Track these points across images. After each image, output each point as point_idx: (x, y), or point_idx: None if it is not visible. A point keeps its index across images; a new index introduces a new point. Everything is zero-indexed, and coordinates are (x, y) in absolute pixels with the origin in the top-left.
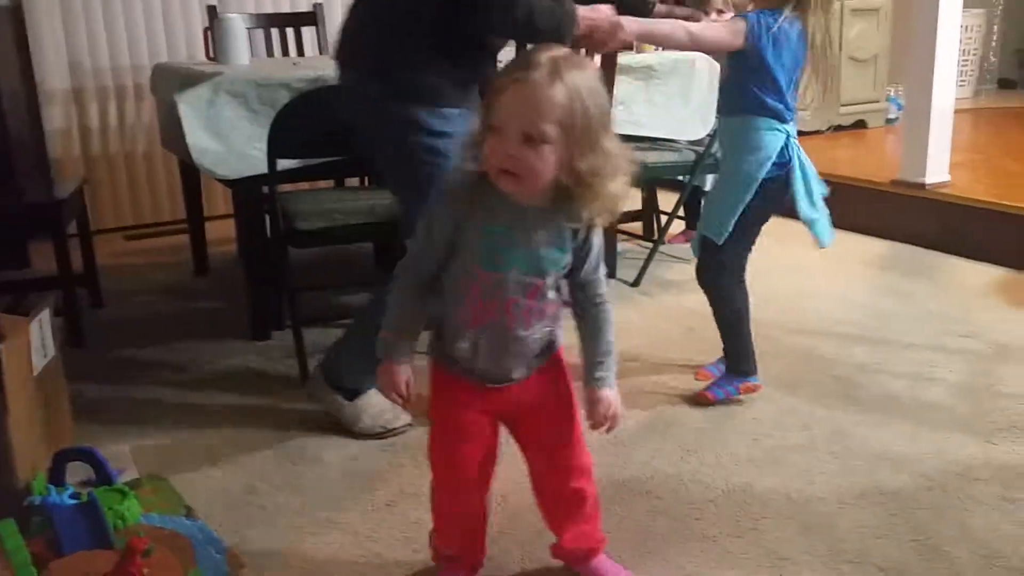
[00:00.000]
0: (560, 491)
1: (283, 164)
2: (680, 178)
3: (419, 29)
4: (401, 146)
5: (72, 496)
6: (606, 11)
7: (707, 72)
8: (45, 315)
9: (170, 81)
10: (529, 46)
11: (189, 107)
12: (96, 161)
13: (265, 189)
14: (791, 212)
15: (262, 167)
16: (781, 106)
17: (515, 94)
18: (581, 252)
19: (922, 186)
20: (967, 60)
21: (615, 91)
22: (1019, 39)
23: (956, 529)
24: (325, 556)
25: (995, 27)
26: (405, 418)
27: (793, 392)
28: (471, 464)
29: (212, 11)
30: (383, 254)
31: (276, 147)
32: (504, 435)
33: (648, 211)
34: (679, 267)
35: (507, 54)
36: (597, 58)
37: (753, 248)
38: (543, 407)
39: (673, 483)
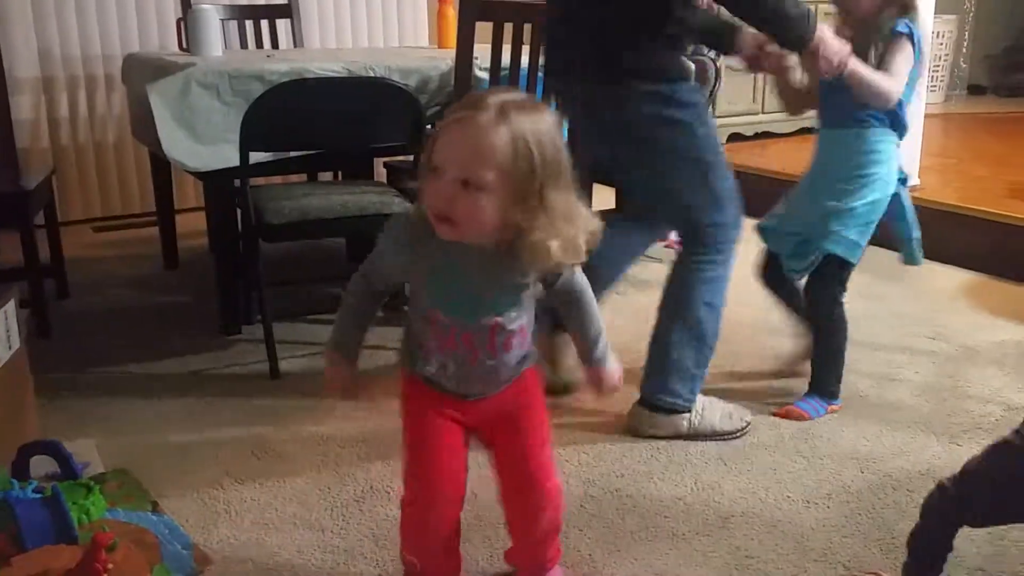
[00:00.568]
0: (523, 504)
1: (255, 157)
2: None
3: (658, 21)
4: (674, 134)
5: (36, 490)
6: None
7: None
8: (10, 306)
9: (142, 71)
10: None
11: (161, 98)
12: (65, 151)
13: (237, 182)
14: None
15: (234, 160)
16: (904, 117)
17: (456, 134)
18: (547, 281)
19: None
20: (938, 66)
21: None
22: (990, 45)
23: None
24: (292, 552)
25: (966, 33)
26: (749, 415)
27: (762, 392)
28: (445, 468)
29: (186, 1)
30: (355, 249)
31: (248, 140)
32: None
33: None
34: (653, 267)
35: None
36: (548, 112)
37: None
38: (513, 419)
39: (643, 481)
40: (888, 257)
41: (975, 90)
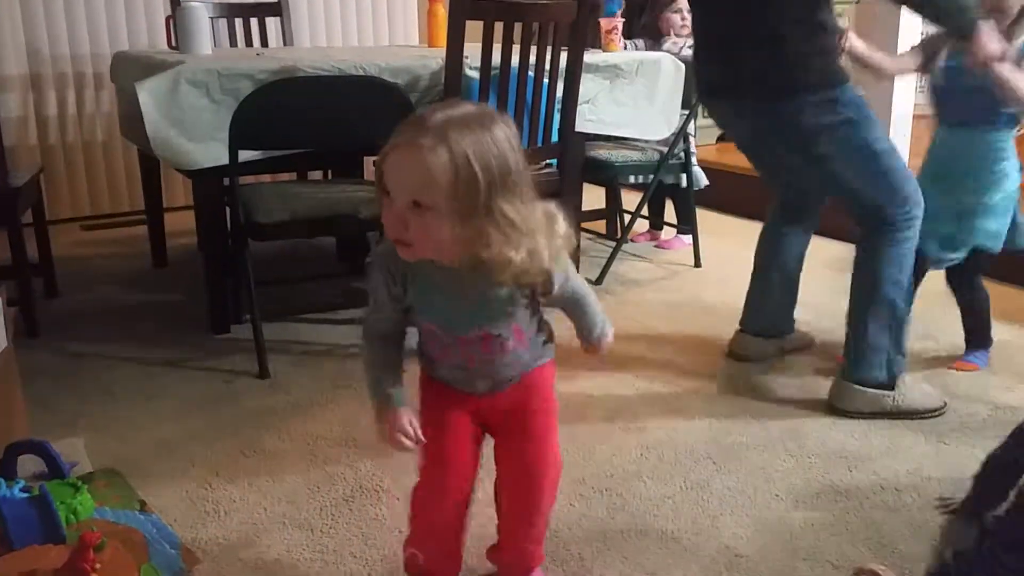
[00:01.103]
0: (519, 508)
1: (245, 155)
2: (643, 178)
3: (811, 32)
4: (848, 134)
5: (23, 490)
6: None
7: (672, 73)
8: None
9: (130, 70)
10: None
11: (149, 96)
12: (53, 150)
13: (226, 181)
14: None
15: (223, 158)
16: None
17: (399, 158)
18: (544, 292)
19: None
20: None
21: (580, 89)
22: None
23: (908, 527)
24: (281, 552)
25: None
26: (945, 397)
27: (751, 391)
28: (453, 456)
29: None
30: (344, 248)
31: (238, 138)
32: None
33: (611, 210)
34: (642, 265)
35: None
36: (506, 121)
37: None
38: (520, 415)
39: (632, 480)
40: None
41: None
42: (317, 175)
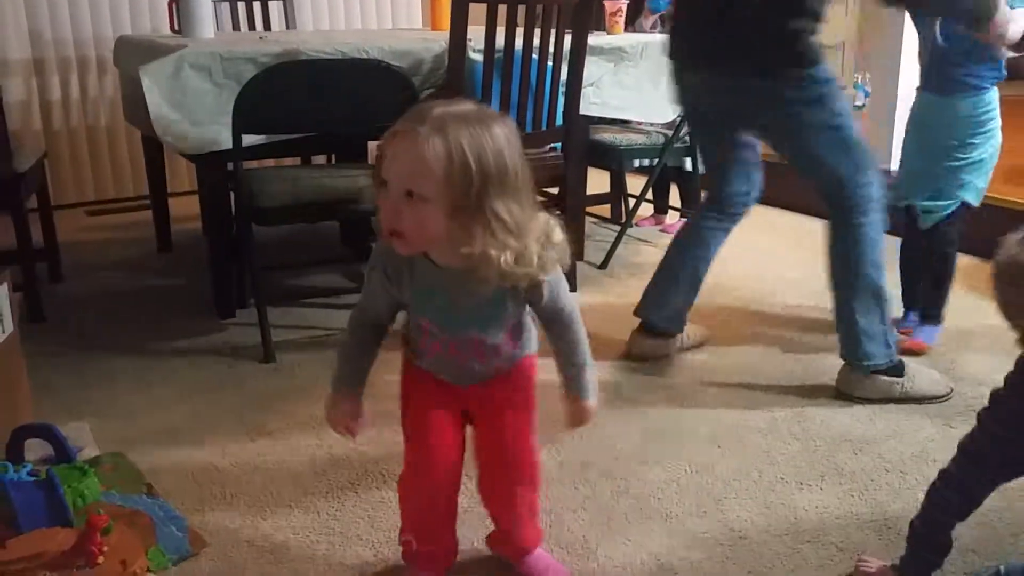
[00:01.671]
0: (499, 491)
1: (248, 140)
2: (647, 162)
3: (798, 13)
4: (819, 110)
5: (30, 473)
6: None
7: None
8: (3, 290)
9: (133, 54)
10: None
11: (153, 80)
12: (57, 134)
13: (230, 165)
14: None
15: (227, 142)
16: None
17: (397, 147)
18: (533, 297)
19: (888, 172)
20: None
21: (584, 72)
22: None
23: (913, 510)
24: (287, 534)
25: None
26: (951, 384)
27: (755, 375)
28: (436, 442)
29: None
30: (348, 233)
31: (241, 122)
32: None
33: (616, 194)
34: (647, 250)
35: None
36: (507, 123)
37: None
38: (499, 405)
39: (636, 464)
40: None
41: None
42: (321, 160)
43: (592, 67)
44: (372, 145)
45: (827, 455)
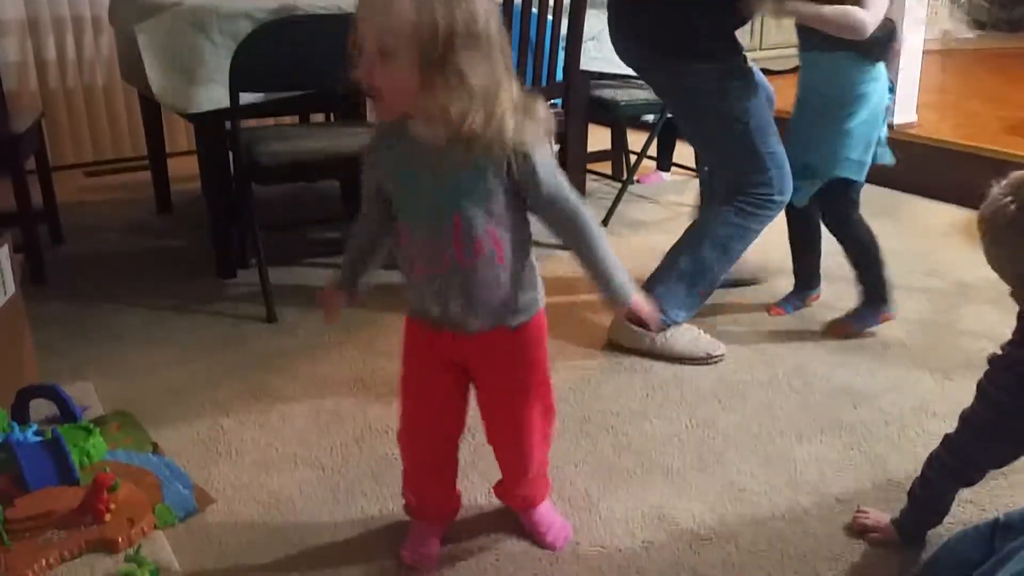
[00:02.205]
0: (503, 449)
1: (246, 98)
2: (649, 117)
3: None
4: (725, 100)
5: (36, 433)
6: None
7: None
8: (4, 252)
9: (129, 11)
10: None
11: (148, 38)
12: (54, 95)
13: (228, 124)
14: None
15: (225, 101)
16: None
17: (368, 5)
18: (521, 177)
19: (890, 126)
20: (937, 1)
21: (585, 26)
22: None
23: (912, 463)
24: (292, 491)
25: None
26: (722, 348)
27: (756, 329)
28: (429, 401)
29: None
30: (349, 191)
31: (238, 80)
32: None
33: (617, 150)
34: (649, 207)
35: None
36: None
37: None
38: (501, 371)
39: (638, 419)
40: (880, 194)
41: (975, 25)
42: (319, 118)
43: (593, 20)
44: (371, 103)
45: (827, 409)
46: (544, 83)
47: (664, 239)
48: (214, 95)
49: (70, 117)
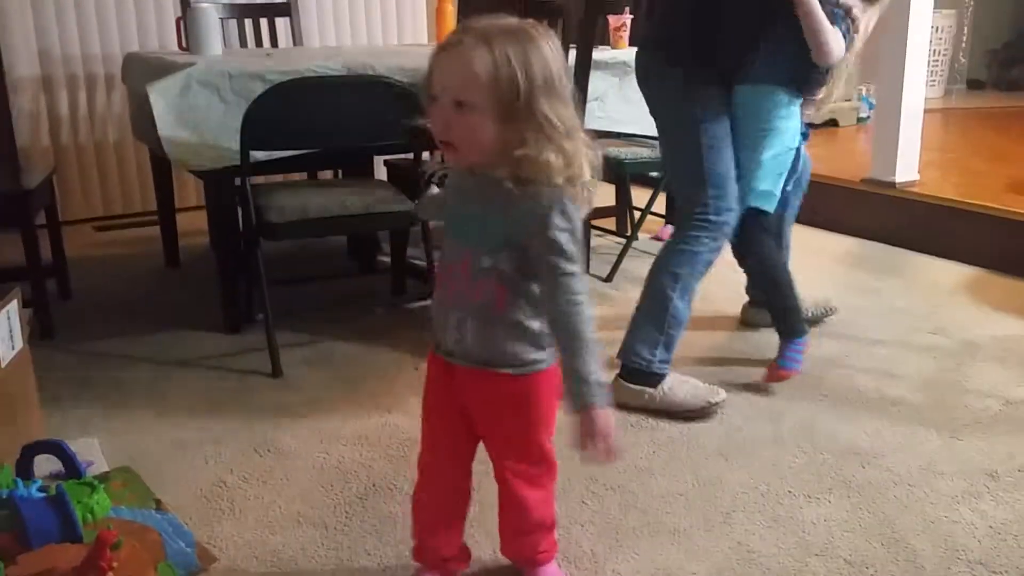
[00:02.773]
0: (500, 501)
1: (256, 156)
2: (653, 175)
3: None
4: (689, 117)
5: (40, 489)
6: None
7: None
8: (13, 306)
9: (142, 71)
10: None
11: (161, 97)
12: (66, 151)
13: (237, 181)
14: None
15: (234, 159)
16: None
17: (444, 61)
18: (527, 225)
19: (892, 184)
20: (937, 60)
21: (589, 86)
22: (989, 40)
23: (920, 523)
24: (295, 550)
25: (965, 27)
26: (722, 394)
27: (762, 387)
28: (439, 439)
29: (185, 0)
30: (356, 247)
31: (249, 139)
32: None
33: (621, 206)
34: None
35: None
36: (549, 34)
37: None
38: (492, 416)
39: (644, 477)
40: (884, 252)
41: (974, 85)
42: (328, 175)
43: (597, 82)
44: (379, 160)
45: (834, 468)
46: None
47: None
48: (224, 153)
49: (81, 172)
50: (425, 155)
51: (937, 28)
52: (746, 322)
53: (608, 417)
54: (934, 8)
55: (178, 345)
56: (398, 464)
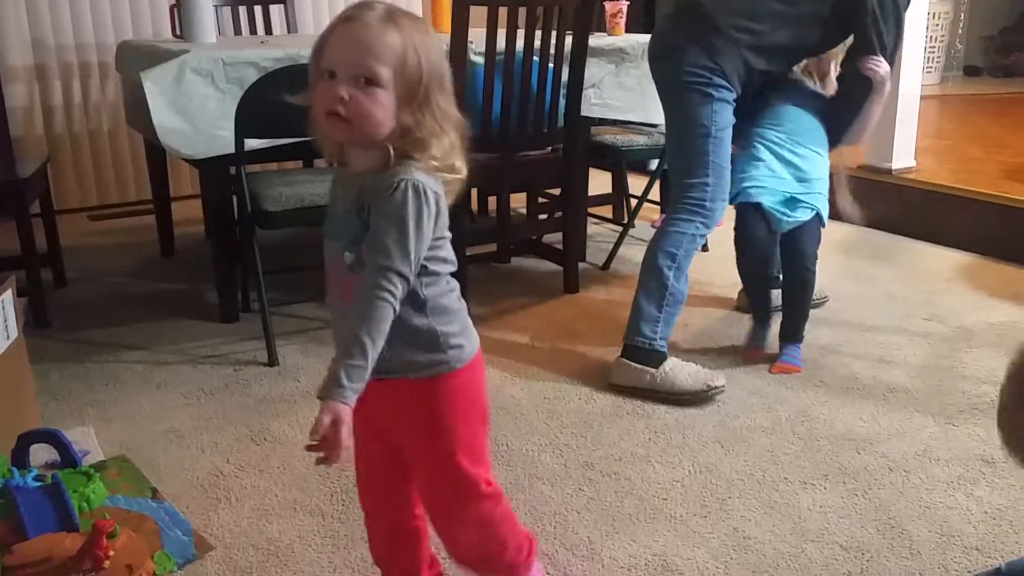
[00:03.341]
0: (441, 536)
1: (251, 144)
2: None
3: None
4: (700, 103)
5: (36, 479)
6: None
7: None
8: (8, 295)
9: (135, 59)
10: None
11: (155, 85)
12: (60, 140)
13: (232, 169)
14: None
15: (229, 147)
16: None
17: (346, 35)
18: (375, 199)
19: (888, 171)
20: (934, 47)
21: (585, 73)
22: (985, 26)
23: (916, 508)
24: (292, 538)
25: (962, 14)
26: (722, 379)
27: (759, 374)
28: (371, 477)
29: None
30: None
31: (243, 127)
32: None
33: (617, 194)
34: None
35: None
36: (430, 26)
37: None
38: (401, 428)
39: (641, 464)
40: (880, 239)
41: (971, 71)
42: (323, 163)
43: (593, 68)
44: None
45: (830, 454)
46: (546, 129)
47: None
48: (219, 141)
49: (75, 161)
50: None
51: (934, 15)
52: (742, 308)
53: (335, 413)
54: None
55: (174, 334)
56: None
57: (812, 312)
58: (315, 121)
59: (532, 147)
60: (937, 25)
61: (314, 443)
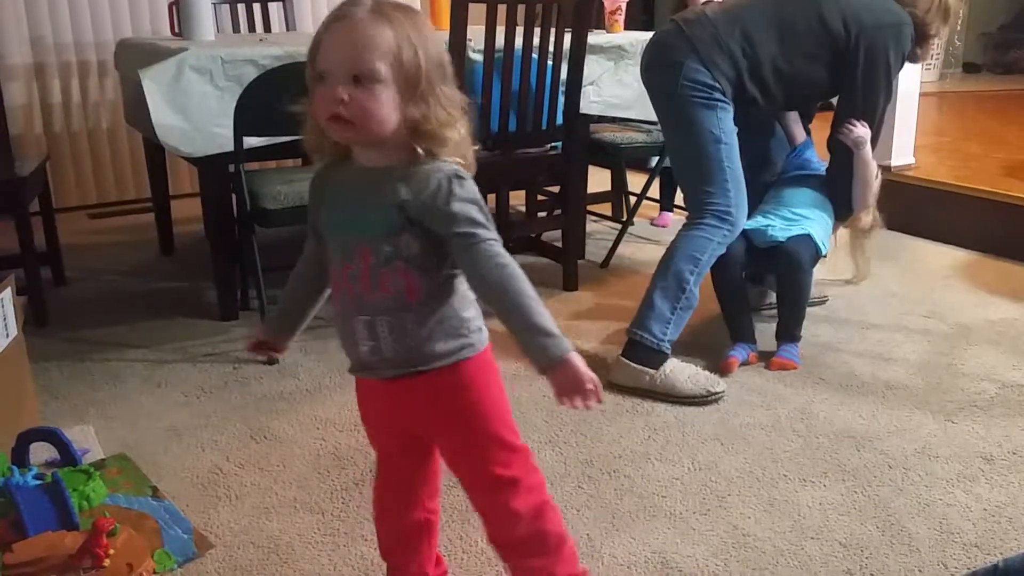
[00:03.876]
0: (490, 527)
1: (250, 142)
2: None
3: None
4: (709, 116)
5: (36, 477)
6: None
7: None
8: (7, 294)
9: (134, 57)
10: None
11: (154, 83)
12: (59, 138)
13: (231, 167)
14: None
15: (228, 145)
16: None
17: (337, 34)
18: (425, 199)
19: (887, 168)
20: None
21: (584, 71)
22: (985, 24)
23: (915, 505)
24: (292, 536)
25: (961, 12)
26: (722, 384)
27: (758, 372)
28: (388, 471)
29: None
30: None
31: (242, 124)
32: None
33: (616, 192)
34: (649, 248)
35: None
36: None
37: None
38: (439, 422)
39: (640, 461)
40: (880, 236)
41: (970, 68)
42: None
43: (592, 66)
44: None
45: (830, 452)
46: (545, 126)
47: None
48: (218, 139)
49: (74, 160)
50: None
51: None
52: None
53: (580, 361)
54: None
55: (173, 332)
56: None
57: (811, 310)
58: (310, 123)
59: (531, 145)
60: None
61: (590, 388)
